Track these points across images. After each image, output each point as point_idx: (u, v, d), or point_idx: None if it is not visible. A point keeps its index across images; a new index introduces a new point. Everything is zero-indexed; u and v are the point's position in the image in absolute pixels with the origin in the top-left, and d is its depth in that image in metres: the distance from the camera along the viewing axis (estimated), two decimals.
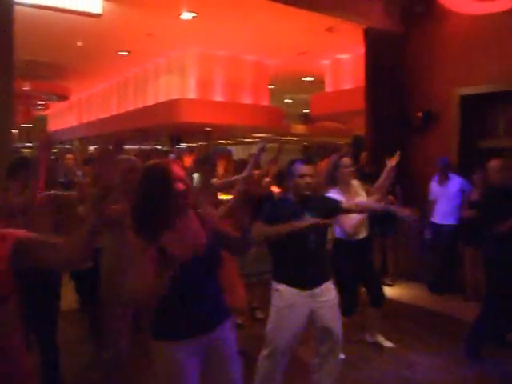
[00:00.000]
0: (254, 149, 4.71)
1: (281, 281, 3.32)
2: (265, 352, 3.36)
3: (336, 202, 3.56)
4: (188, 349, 2.35)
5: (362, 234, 4.45)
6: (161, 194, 2.28)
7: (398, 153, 4.52)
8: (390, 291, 6.75)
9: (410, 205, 6.97)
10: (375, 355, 4.64)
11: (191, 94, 11.70)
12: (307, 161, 3.46)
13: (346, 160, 4.32)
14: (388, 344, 4.77)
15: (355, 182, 4.47)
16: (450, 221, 6.45)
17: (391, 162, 4.45)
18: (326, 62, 12.19)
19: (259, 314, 5.30)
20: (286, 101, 18.81)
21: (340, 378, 3.58)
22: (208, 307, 2.40)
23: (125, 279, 2.74)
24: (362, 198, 4.35)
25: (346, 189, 4.27)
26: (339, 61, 11.83)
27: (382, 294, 4.69)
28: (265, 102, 12.99)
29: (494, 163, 4.52)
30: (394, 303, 6.29)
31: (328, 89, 12.34)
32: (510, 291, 4.42)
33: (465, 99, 6.71)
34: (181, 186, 2.31)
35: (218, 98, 11.94)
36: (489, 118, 6.72)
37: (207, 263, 2.39)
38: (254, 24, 8.80)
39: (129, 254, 2.30)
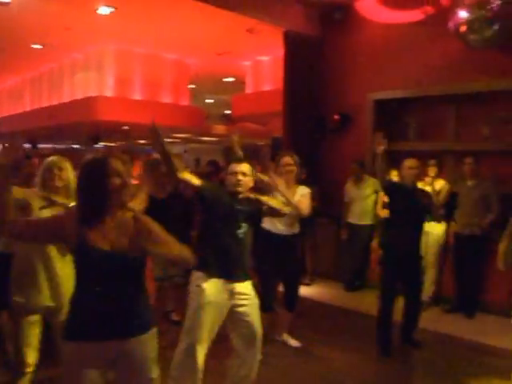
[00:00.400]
0: (176, 149, 4.64)
1: (206, 270, 3.25)
2: (182, 346, 3.27)
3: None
4: (92, 352, 2.27)
5: (294, 230, 4.48)
6: (94, 188, 2.26)
7: None
8: (307, 290, 6.85)
9: (327, 206, 7.24)
10: (288, 352, 4.68)
11: (109, 92, 11.39)
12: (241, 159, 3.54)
13: (287, 159, 4.33)
14: (295, 343, 4.79)
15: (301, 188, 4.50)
16: (365, 221, 6.65)
17: None
18: (246, 63, 12.28)
19: (175, 317, 5.21)
20: (208, 101, 18.75)
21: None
22: (120, 315, 2.30)
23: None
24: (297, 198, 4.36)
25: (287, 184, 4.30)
26: (259, 62, 11.95)
27: (296, 298, 4.69)
28: (185, 102, 12.87)
29: (406, 162, 4.71)
30: (311, 302, 6.40)
31: (248, 90, 12.42)
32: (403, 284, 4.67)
33: (378, 103, 6.96)
34: (118, 182, 2.26)
35: (137, 96, 11.71)
36: (401, 122, 6.99)
37: (126, 266, 2.30)
38: (173, 21, 8.68)
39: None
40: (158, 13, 8.25)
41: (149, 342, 2.36)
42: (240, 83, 13.03)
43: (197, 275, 3.29)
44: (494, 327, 5.27)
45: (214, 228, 3.32)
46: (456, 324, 5.57)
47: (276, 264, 4.42)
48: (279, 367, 4.34)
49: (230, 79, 13.90)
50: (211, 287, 3.24)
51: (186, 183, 3.33)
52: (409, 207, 4.58)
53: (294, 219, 4.41)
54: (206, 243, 3.36)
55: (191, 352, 3.23)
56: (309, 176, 6.97)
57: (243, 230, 3.33)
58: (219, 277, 3.27)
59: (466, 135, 6.48)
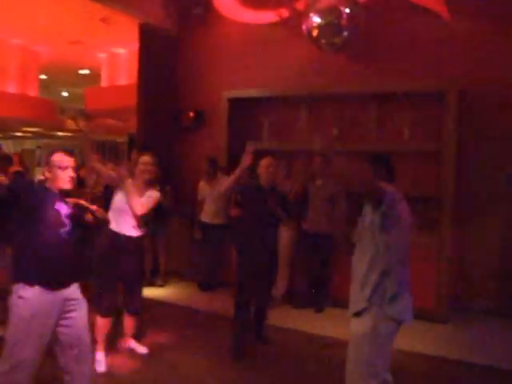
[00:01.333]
0: (28, 144, 4.23)
1: (26, 279, 2.89)
2: (5, 367, 2.86)
3: None
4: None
5: (137, 232, 4.24)
6: None
7: None
8: (160, 292, 6.68)
9: (182, 204, 7.07)
10: (135, 361, 4.40)
11: None
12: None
13: (146, 159, 4.19)
14: (142, 350, 4.54)
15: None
16: (218, 220, 6.57)
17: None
18: (102, 55, 11.67)
19: None
20: (64, 94, 17.71)
21: None
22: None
23: None
24: (146, 198, 4.22)
25: (140, 186, 4.20)
26: (115, 55, 11.43)
27: (139, 301, 4.42)
28: (34, 93, 11.91)
29: (263, 161, 4.73)
30: (164, 304, 6.19)
31: (104, 83, 11.83)
32: (255, 284, 4.62)
33: (232, 102, 6.92)
34: None
35: None
36: (255, 121, 7.03)
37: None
38: (20, 4, 7.95)
39: None
40: None
41: None
42: (96, 76, 12.36)
43: (17, 286, 2.92)
44: (341, 320, 5.41)
45: (32, 231, 2.95)
46: (306, 319, 5.67)
47: (117, 265, 4.14)
48: (124, 378, 4.07)
49: (86, 72, 13.14)
50: (34, 297, 2.89)
51: None
52: (261, 206, 4.55)
53: (139, 220, 4.21)
54: (24, 248, 2.97)
55: (15, 374, 2.84)
56: (163, 174, 6.77)
57: (68, 229, 3.00)
58: (41, 284, 2.91)
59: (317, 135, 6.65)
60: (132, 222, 4.16)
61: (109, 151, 15.11)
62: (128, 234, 4.15)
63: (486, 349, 4.89)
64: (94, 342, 4.11)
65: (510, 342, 5.06)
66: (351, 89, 6.29)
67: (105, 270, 4.16)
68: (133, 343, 4.56)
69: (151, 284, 6.85)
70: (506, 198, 5.77)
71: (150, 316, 5.65)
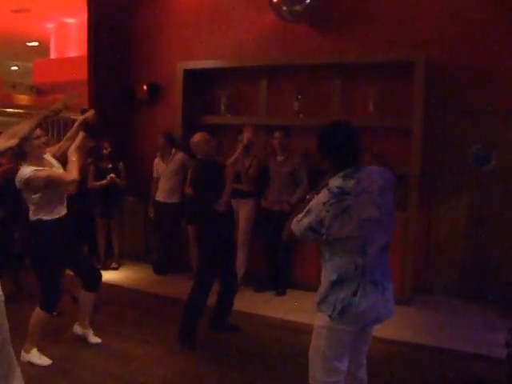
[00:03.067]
0: None
1: None
2: None
3: None
4: None
5: (61, 212, 3.84)
6: None
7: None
8: (114, 275, 6.35)
9: (137, 182, 6.69)
10: (87, 354, 4.08)
11: None
12: None
13: (38, 131, 3.65)
14: (94, 340, 4.23)
15: (48, 156, 3.86)
16: (172, 199, 6.21)
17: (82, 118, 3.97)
18: (50, 25, 10.98)
19: None
20: (13, 68, 16.89)
21: None
22: None
23: None
24: (56, 169, 3.82)
25: (37, 162, 3.67)
26: (65, 25, 10.77)
27: (97, 277, 4.16)
28: None
29: (196, 137, 4.37)
30: (118, 289, 5.87)
31: (53, 55, 11.17)
32: (219, 269, 4.36)
33: (188, 73, 6.49)
34: None
35: None
36: (212, 94, 6.64)
37: None
38: None
39: None
40: None
41: None
42: (46, 49, 11.68)
43: None
44: (304, 304, 5.20)
45: None
46: (267, 303, 5.43)
47: (57, 253, 3.77)
48: (74, 372, 3.74)
49: (35, 43, 12.40)
50: None
51: None
52: (213, 183, 4.23)
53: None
54: None
55: None
56: (115, 150, 6.38)
57: None
58: None
59: (277, 109, 6.33)
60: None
61: (64, 129, 14.48)
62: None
63: (448, 331, 4.72)
64: (31, 335, 3.80)
65: (472, 325, 4.90)
66: (313, 60, 5.94)
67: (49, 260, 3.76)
68: (84, 330, 4.24)
69: (105, 267, 6.52)
70: (475, 176, 5.57)
71: (102, 301, 5.31)
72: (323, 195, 2.41)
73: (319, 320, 2.55)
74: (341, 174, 2.45)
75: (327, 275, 2.51)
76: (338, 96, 5.98)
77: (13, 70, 17.00)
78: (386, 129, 5.74)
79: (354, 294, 2.43)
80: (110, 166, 6.30)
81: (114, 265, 6.60)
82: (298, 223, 2.49)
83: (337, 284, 2.45)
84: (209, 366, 3.96)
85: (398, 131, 5.67)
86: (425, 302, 5.49)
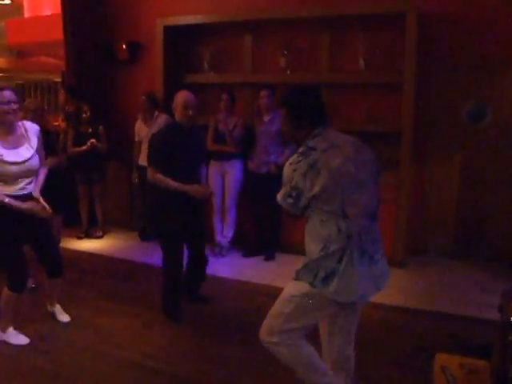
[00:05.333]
0: None
1: None
2: None
3: None
4: None
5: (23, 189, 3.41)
6: None
7: None
8: (98, 244, 6.19)
9: (118, 147, 6.42)
10: (66, 330, 3.86)
11: None
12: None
13: (7, 93, 3.20)
14: (64, 318, 3.98)
15: (27, 125, 3.47)
16: None
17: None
18: None
19: None
20: None
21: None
22: None
23: None
24: (30, 145, 3.38)
25: (4, 131, 3.28)
26: None
27: (59, 261, 3.75)
28: None
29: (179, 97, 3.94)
30: (101, 258, 5.69)
31: (27, 14, 10.62)
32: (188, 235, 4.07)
33: (169, 30, 6.15)
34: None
35: None
36: (194, 52, 6.31)
37: None
38: None
39: None
40: None
41: None
42: (20, 7, 11.08)
43: None
44: (292, 269, 5.03)
45: None
46: (255, 269, 5.28)
47: (17, 233, 3.41)
48: (53, 350, 3.55)
49: (7, 1, 11.75)
50: None
51: None
52: (187, 148, 3.90)
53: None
54: None
55: None
56: (95, 113, 6.08)
57: None
58: None
59: (263, 66, 6.04)
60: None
61: (47, 92, 14.00)
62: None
63: (442, 294, 4.60)
64: (3, 315, 3.60)
65: (466, 286, 4.79)
66: (300, 13, 5.61)
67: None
68: (56, 308, 4.03)
69: (89, 235, 6.34)
70: (469, 133, 5.36)
71: (83, 271, 5.20)
72: (292, 158, 2.36)
73: (292, 289, 2.45)
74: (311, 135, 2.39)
75: (310, 242, 2.40)
76: (326, 51, 5.70)
77: None
78: (376, 85, 5.49)
79: (339, 261, 2.28)
80: (90, 130, 6.02)
81: (98, 233, 6.41)
82: (279, 194, 2.44)
83: (321, 251, 2.32)
84: (191, 338, 3.77)
85: (389, 87, 5.41)
86: (418, 264, 5.37)
